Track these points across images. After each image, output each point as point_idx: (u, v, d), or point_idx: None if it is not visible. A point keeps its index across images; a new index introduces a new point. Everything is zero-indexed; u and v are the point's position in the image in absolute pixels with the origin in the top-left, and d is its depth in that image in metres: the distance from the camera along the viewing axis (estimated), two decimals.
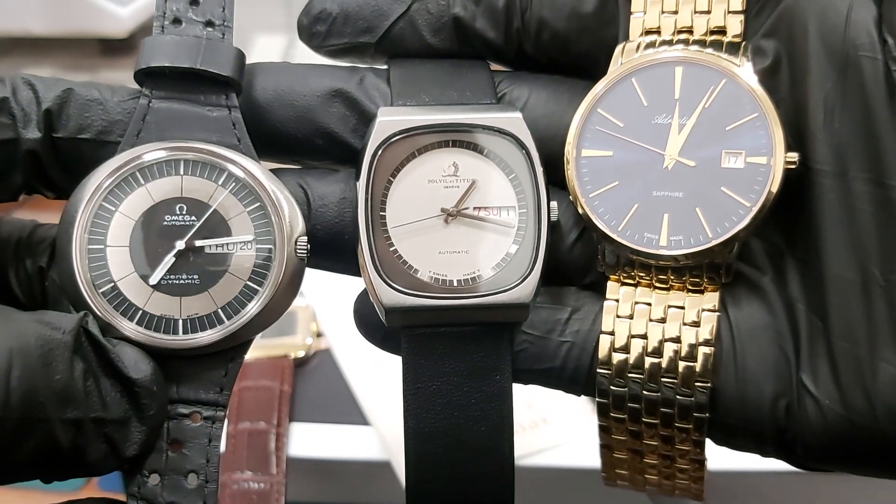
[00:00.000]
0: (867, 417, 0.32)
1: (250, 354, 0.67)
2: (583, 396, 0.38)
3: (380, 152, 0.35)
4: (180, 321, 0.32)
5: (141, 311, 0.32)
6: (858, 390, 0.32)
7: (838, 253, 0.33)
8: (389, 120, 0.35)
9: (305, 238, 0.34)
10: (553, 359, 0.36)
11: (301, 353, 0.69)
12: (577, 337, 0.36)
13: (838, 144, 0.33)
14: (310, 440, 0.62)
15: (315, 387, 0.67)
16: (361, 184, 0.35)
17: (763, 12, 0.35)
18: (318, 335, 0.71)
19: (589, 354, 0.36)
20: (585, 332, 0.36)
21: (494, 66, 0.39)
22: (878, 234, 0.32)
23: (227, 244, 0.33)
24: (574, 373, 0.36)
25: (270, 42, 0.95)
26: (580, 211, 0.35)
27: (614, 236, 0.35)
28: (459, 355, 0.35)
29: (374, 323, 0.36)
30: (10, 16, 0.87)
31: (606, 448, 0.38)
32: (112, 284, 0.32)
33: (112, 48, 0.91)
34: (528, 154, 0.35)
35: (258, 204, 0.34)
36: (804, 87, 0.34)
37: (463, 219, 0.35)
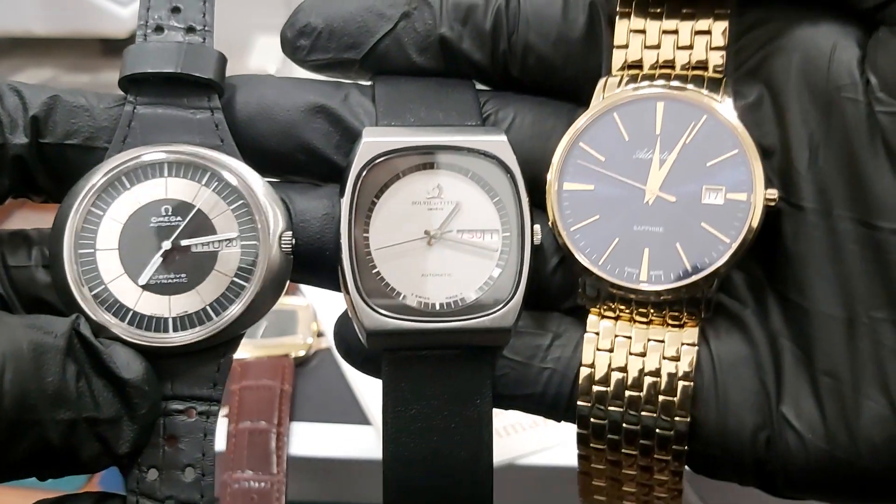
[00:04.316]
0: (850, 453, 0.33)
1: (251, 354, 0.68)
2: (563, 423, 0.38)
3: (364, 173, 0.35)
4: (170, 319, 0.33)
5: (132, 312, 0.33)
6: (842, 426, 0.33)
7: (823, 290, 0.33)
8: (374, 141, 0.35)
9: (290, 233, 0.35)
10: (534, 385, 0.36)
11: (302, 353, 0.69)
12: (558, 364, 0.36)
13: (822, 183, 0.33)
14: (310, 439, 0.63)
15: (316, 386, 0.67)
16: (345, 205, 0.34)
17: (746, 49, 0.36)
18: (319, 335, 0.71)
19: (570, 382, 0.36)
20: (567, 359, 0.36)
21: (479, 86, 0.39)
22: (862, 272, 0.33)
23: (213, 242, 0.34)
24: (555, 399, 0.37)
25: (270, 42, 0.95)
26: (561, 244, 0.36)
27: (595, 270, 0.35)
28: (441, 379, 0.35)
29: (355, 345, 0.37)
30: (10, 16, 0.87)
31: (585, 475, 0.38)
32: (103, 286, 0.33)
33: (113, 48, 0.92)
34: (512, 178, 0.35)
35: (241, 202, 0.34)
36: (788, 125, 0.34)
37: (446, 241, 0.35)
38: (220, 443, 0.60)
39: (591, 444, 0.36)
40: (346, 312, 0.37)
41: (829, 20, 0.34)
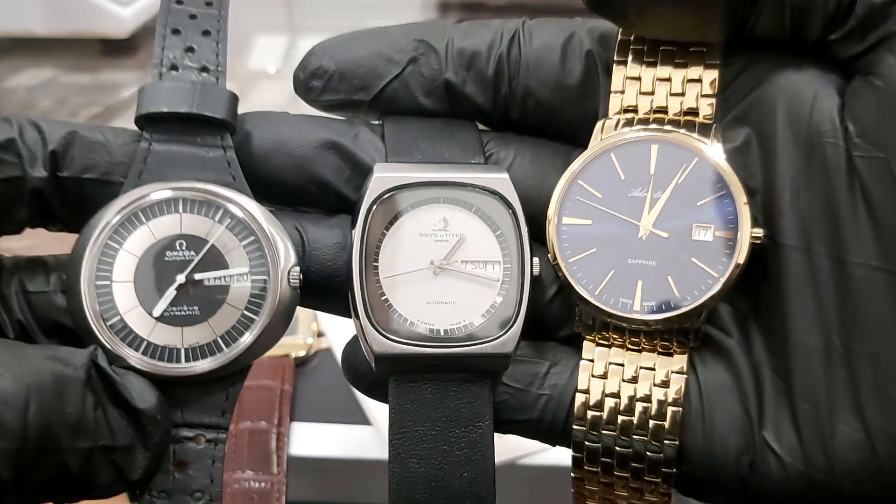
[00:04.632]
0: (826, 474, 0.34)
1: None
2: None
3: (375, 206, 0.37)
4: (182, 350, 0.35)
5: (146, 342, 0.35)
6: (819, 449, 0.34)
7: (802, 322, 0.35)
8: (385, 176, 0.37)
9: (298, 269, 0.36)
10: (531, 410, 0.38)
11: (302, 353, 0.70)
12: (554, 391, 0.38)
13: (804, 221, 0.35)
14: (311, 439, 0.63)
15: (316, 386, 0.68)
16: (357, 235, 0.36)
17: (733, 96, 0.38)
18: (319, 335, 0.72)
19: (565, 408, 0.38)
20: (562, 387, 0.38)
21: (481, 126, 0.41)
22: (838, 305, 0.34)
23: (225, 277, 0.36)
24: (551, 424, 0.38)
25: (271, 42, 0.95)
26: (560, 275, 0.38)
27: (591, 300, 0.37)
28: (444, 401, 0.37)
29: (362, 371, 0.39)
30: (11, 16, 0.88)
31: (579, 495, 0.40)
32: (119, 317, 0.35)
33: (113, 48, 0.92)
34: (513, 212, 0.37)
35: (253, 238, 0.36)
36: (773, 167, 0.36)
37: (451, 271, 0.37)
38: None
39: (585, 467, 0.38)
40: (353, 339, 0.39)
41: (811, 69, 0.36)
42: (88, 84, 0.90)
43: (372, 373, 0.37)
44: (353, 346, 0.39)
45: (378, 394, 0.39)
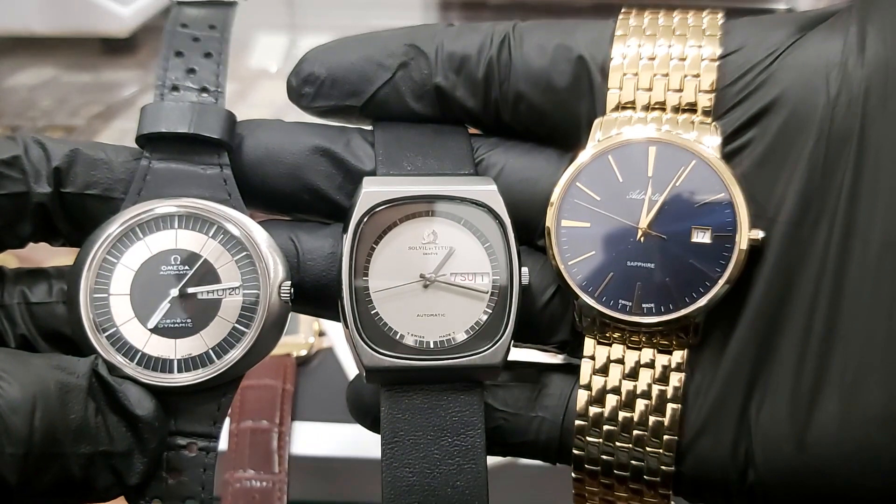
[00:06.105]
0: (817, 458, 0.35)
1: None
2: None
3: (364, 220, 0.38)
4: (175, 361, 0.36)
5: (140, 353, 0.36)
6: (807, 432, 0.35)
7: (786, 302, 0.36)
8: (374, 191, 0.38)
9: (289, 283, 0.38)
10: (526, 433, 0.39)
11: (303, 352, 0.70)
12: (547, 412, 0.39)
13: (802, 201, 0.35)
14: (312, 439, 0.64)
15: (317, 385, 0.68)
16: (346, 250, 0.38)
17: (732, 89, 0.38)
18: (321, 334, 0.72)
19: (559, 427, 0.39)
20: (554, 407, 0.39)
21: (472, 130, 0.42)
22: (826, 284, 0.35)
23: (217, 291, 0.37)
24: (546, 444, 0.40)
25: (272, 42, 0.95)
26: (559, 277, 0.39)
27: (591, 302, 0.38)
28: (435, 411, 0.38)
29: (364, 408, 0.40)
30: (11, 15, 0.88)
31: (580, 497, 0.41)
32: (115, 329, 0.36)
33: (113, 47, 0.92)
34: (501, 224, 0.38)
35: (245, 253, 0.37)
36: (772, 157, 0.36)
37: (440, 284, 0.38)
38: (222, 442, 0.60)
39: (586, 467, 0.39)
40: (356, 378, 0.40)
41: (816, 43, 0.36)
42: (89, 83, 0.91)
43: (375, 408, 0.38)
44: (356, 385, 0.40)
45: (378, 429, 0.40)
